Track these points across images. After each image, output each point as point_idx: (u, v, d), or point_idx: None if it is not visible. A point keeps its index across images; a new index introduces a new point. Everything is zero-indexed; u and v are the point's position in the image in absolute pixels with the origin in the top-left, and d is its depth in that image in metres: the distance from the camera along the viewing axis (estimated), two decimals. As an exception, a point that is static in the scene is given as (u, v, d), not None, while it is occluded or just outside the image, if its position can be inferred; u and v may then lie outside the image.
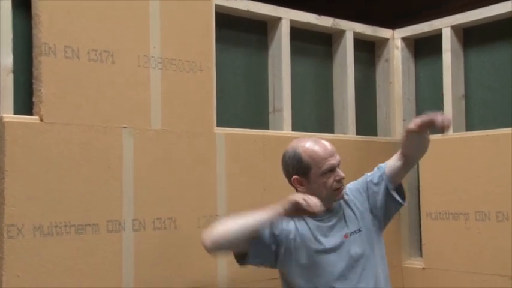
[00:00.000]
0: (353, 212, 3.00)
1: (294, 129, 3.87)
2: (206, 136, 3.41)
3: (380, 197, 2.98)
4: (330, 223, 2.95)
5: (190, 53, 3.37)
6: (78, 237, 2.88)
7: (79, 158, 2.94)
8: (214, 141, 3.43)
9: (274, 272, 3.00)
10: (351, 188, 3.07)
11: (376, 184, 3.00)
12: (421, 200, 4.09)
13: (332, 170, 2.91)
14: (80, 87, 2.97)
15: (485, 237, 3.70)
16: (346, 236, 2.93)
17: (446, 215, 3.90)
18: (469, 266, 3.76)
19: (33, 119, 2.83)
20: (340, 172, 2.94)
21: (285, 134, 3.78)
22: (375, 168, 3.05)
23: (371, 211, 3.01)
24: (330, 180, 2.90)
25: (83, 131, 2.96)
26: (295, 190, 2.96)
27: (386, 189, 2.98)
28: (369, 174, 3.06)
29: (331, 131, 4.20)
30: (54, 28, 2.93)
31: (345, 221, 2.98)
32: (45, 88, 2.87)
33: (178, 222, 3.26)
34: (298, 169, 2.93)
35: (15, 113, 2.85)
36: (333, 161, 2.92)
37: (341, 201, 2.99)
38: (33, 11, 2.91)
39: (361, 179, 3.08)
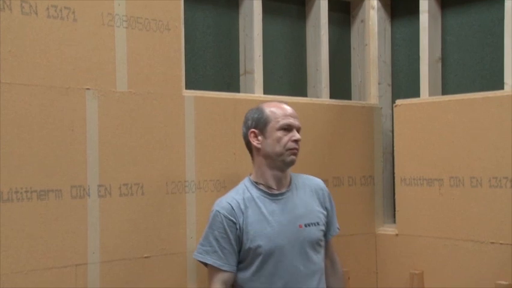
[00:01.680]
0: None
1: (265, 92, 3.86)
2: (174, 99, 3.37)
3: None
4: None
5: (157, 11, 3.32)
6: (40, 203, 2.85)
7: (40, 121, 2.88)
8: (183, 104, 3.40)
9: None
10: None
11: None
12: (395, 165, 4.08)
13: (289, 128, 3.01)
14: (39, 46, 2.89)
15: (459, 203, 3.72)
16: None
17: (420, 181, 3.91)
18: (442, 231, 3.78)
19: None
20: (298, 134, 3.00)
21: (257, 97, 3.76)
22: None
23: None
24: (286, 138, 2.99)
25: (43, 92, 2.90)
26: (248, 150, 3.11)
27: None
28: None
29: (304, 94, 4.20)
30: None
31: None
32: (2, 46, 2.80)
33: (145, 188, 3.23)
34: (258, 121, 3.03)
35: None
36: (292, 120, 3.00)
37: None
38: None
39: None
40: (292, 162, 3.05)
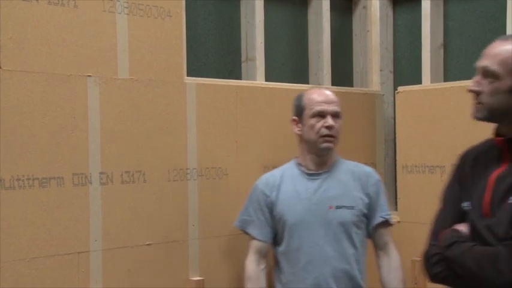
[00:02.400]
0: None
1: (267, 79, 3.87)
2: (176, 86, 3.37)
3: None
4: None
5: None
6: (42, 191, 2.85)
7: (41, 108, 2.88)
8: (184, 91, 3.40)
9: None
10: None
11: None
12: (397, 152, 4.11)
13: (322, 115, 3.10)
14: (40, 33, 2.88)
15: None
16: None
17: (422, 168, 3.93)
18: None
19: None
20: (331, 120, 3.06)
21: (258, 84, 3.78)
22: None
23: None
24: (318, 125, 3.10)
25: (45, 79, 2.89)
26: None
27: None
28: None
29: (306, 81, 4.20)
30: None
31: None
32: (2, 33, 2.79)
33: (147, 176, 3.23)
34: (297, 109, 3.22)
35: None
36: (326, 107, 3.08)
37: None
38: None
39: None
40: (326, 149, 3.15)
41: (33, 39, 2.87)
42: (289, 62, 4.19)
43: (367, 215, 3.19)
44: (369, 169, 3.31)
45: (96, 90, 3.07)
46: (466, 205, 2.40)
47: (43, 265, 2.92)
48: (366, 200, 3.17)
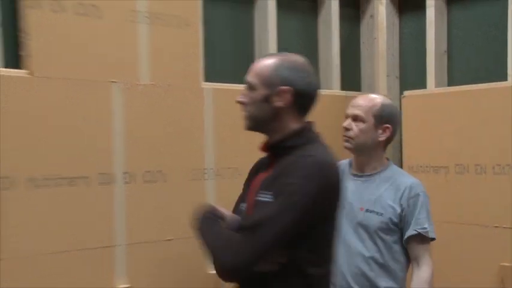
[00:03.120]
0: None
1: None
2: (193, 91, 3.40)
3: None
4: None
5: (177, 8, 3.35)
6: (70, 189, 2.90)
7: (70, 112, 2.94)
8: (202, 96, 3.43)
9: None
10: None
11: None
12: (403, 154, 4.12)
13: (346, 117, 3.18)
14: (68, 41, 2.94)
15: (464, 190, 3.77)
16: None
17: (427, 169, 3.95)
18: (448, 216, 3.81)
19: (23, 72, 2.82)
20: (347, 122, 3.16)
21: None
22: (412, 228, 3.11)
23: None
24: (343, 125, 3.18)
25: (73, 85, 2.95)
26: None
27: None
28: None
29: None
30: None
31: None
32: (33, 42, 2.85)
33: (167, 176, 3.28)
34: None
35: (5, 67, 2.85)
36: (350, 110, 3.17)
37: None
38: None
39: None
40: (346, 148, 3.19)
41: (62, 47, 2.92)
42: None
43: (399, 225, 3.11)
44: (412, 181, 3.16)
45: (120, 95, 3.12)
46: (242, 206, 2.54)
47: (72, 258, 2.96)
48: (398, 210, 3.08)
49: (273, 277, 2.35)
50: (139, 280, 3.18)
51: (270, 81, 2.38)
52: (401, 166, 4.11)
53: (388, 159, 3.26)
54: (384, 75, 4.41)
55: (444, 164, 3.84)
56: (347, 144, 3.17)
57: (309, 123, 2.53)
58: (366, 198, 3.13)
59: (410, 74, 4.39)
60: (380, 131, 3.11)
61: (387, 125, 3.11)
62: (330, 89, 4.16)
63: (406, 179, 3.17)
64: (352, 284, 3.11)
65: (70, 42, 2.96)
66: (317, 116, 3.62)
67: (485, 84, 3.80)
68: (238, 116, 3.49)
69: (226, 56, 3.84)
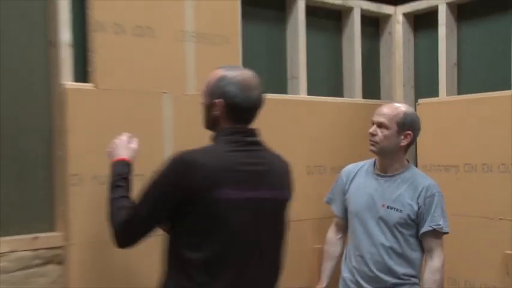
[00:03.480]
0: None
1: (308, 93, 3.89)
2: None
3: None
4: None
5: (219, 28, 3.37)
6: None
7: (128, 118, 3.00)
8: None
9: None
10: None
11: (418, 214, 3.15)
12: (417, 154, 4.11)
13: (372, 123, 3.19)
14: (127, 58, 3.01)
15: (472, 186, 3.75)
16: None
17: (439, 167, 3.93)
18: (457, 209, 3.77)
19: (89, 86, 2.90)
20: (373, 128, 3.18)
21: (301, 98, 3.82)
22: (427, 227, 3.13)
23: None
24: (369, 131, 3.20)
25: (130, 95, 3.02)
26: None
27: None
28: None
29: (341, 95, 4.21)
30: (105, 8, 2.96)
31: None
32: (99, 59, 2.93)
33: None
34: None
35: (75, 81, 2.91)
36: (376, 118, 3.19)
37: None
38: None
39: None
40: (372, 151, 3.22)
41: (122, 64, 2.98)
42: (326, 79, 4.16)
43: (416, 221, 3.13)
44: (429, 182, 3.18)
45: (170, 103, 3.16)
46: None
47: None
48: (415, 208, 3.10)
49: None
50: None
51: (211, 93, 2.50)
52: (416, 165, 4.07)
53: (408, 161, 3.27)
54: (400, 86, 4.40)
55: (454, 164, 3.83)
56: (372, 148, 3.18)
57: (237, 127, 2.52)
58: (387, 196, 3.16)
59: (424, 84, 4.36)
60: (402, 137, 3.13)
61: (409, 132, 3.14)
62: (353, 97, 4.16)
63: (423, 180, 3.19)
64: (374, 269, 3.15)
65: (129, 59, 3.03)
66: (342, 120, 3.73)
67: (491, 93, 3.78)
68: (272, 121, 3.53)
69: (262, 69, 3.71)
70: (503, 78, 3.84)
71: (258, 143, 2.55)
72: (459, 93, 4.13)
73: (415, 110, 4.06)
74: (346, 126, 3.97)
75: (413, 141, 3.22)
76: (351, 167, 3.43)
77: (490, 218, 3.64)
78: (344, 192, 3.37)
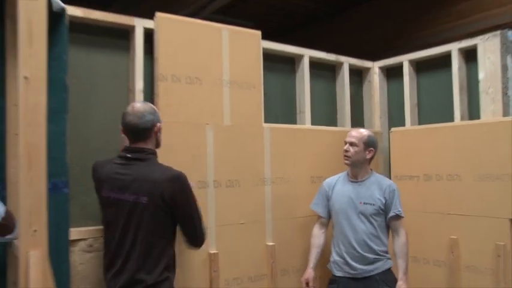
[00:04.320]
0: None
1: (312, 124, 3.89)
2: (258, 129, 3.44)
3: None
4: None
5: (247, 77, 3.39)
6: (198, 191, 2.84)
7: (183, 141, 3.04)
8: (262, 132, 3.47)
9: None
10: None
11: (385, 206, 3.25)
12: (391, 167, 4.11)
13: (345, 142, 3.30)
14: (182, 99, 3.05)
15: (429, 190, 3.75)
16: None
17: (406, 177, 3.94)
18: (418, 207, 3.79)
19: None
20: (346, 146, 3.28)
21: (307, 127, 3.82)
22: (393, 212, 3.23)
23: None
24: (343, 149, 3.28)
25: (184, 126, 3.05)
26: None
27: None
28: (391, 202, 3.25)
29: (335, 124, 4.21)
30: (166, 64, 3.01)
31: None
32: (162, 101, 2.97)
33: (240, 182, 3.32)
34: None
35: None
36: (348, 139, 3.29)
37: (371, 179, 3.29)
38: (155, 55, 3.02)
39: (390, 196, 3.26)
40: (346, 164, 3.30)
41: (177, 103, 3.02)
42: (325, 113, 4.15)
43: (384, 210, 3.21)
44: (390, 182, 3.30)
45: (211, 132, 3.18)
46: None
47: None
48: (383, 201, 3.20)
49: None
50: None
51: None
52: (389, 175, 4.08)
53: (371, 169, 3.35)
54: (378, 118, 4.40)
55: (416, 174, 3.84)
56: (346, 161, 3.29)
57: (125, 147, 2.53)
58: (362, 195, 3.24)
59: (395, 117, 4.36)
60: (367, 152, 3.26)
61: (371, 148, 3.27)
62: (344, 126, 4.14)
63: (385, 181, 3.32)
64: (359, 249, 3.20)
65: (183, 100, 3.05)
66: (336, 143, 3.72)
67: (441, 124, 3.82)
68: (286, 145, 3.57)
69: (278, 106, 3.84)
70: (449, 113, 3.85)
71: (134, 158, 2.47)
72: (419, 123, 4.14)
73: (389, 135, 4.14)
74: (339, 147, 3.87)
75: (374, 155, 3.31)
76: (329, 180, 3.47)
77: (441, 213, 3.65)
78: (328, 198, 3.41)
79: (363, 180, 3.29)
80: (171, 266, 2.48)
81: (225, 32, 3.30)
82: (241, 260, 3.29)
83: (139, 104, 2.55)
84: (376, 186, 3.25)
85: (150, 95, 3.03)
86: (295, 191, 3.62)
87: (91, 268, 2.75)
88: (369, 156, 3.27)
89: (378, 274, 3.17)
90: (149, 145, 2.51)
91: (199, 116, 3.13)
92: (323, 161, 3.84)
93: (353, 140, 3.26)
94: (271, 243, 3.44)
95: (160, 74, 2.99)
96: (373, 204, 3.20)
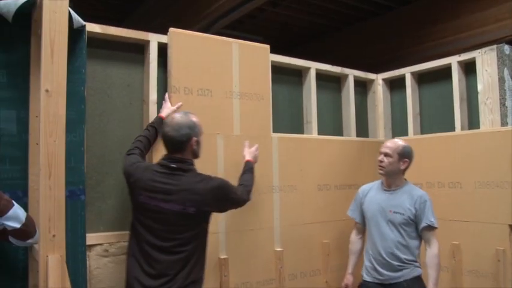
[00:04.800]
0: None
1: (319, 133, 3.88)
2: (267, 138, 3.44)
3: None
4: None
5: (256, 89, 3.39)
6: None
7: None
8: (271, 141, 3.47)
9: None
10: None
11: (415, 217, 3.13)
12: None
13: (380, 153, 3.21)
14: (193, 111, 2.90)
15: (431, 197, 3.64)
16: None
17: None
18: None
19: None
20: (380, 156, 3.19)
21: (314, 137, 3.82)
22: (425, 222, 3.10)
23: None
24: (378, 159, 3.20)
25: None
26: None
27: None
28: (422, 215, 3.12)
29: (341, 134, 4.20)
30: (178, 77, 3.02)
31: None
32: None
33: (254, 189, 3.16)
34: None
35: None
36: (383, 149, 3.20)
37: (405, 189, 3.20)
38: (168, 68, 3.03)
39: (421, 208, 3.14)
40: (380, 174, 3.22)
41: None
42: (331, 123, 4.14)
43: (414, 221, 3.10)
44: (422, 193, 3.16)
45: (222, 141, 3.19)
46: None
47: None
48: (413, 211, 3.09)
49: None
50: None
51: None
52: None
53: (405, 179, 3.27)
54: (382, 127, 4.40)
55: (419, 182, 3.80)
56: (380, 171, 3.21)
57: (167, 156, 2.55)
58: (393, 204, 3.16)
59: (398, 127, 4.35)
60: (401, 163, 3.17)
61: (406, 159, 3.17)
62: (349, 136, 4.15)
63: (417, 191, 3.19)
64: (385, 257, 3.13)
65: (194, 111, 2.91)
66: (342, 152, 3.75)
67: (442, 133, 3.81)
68: (293, 154, 3.54)
69: (286, 116, 3.84)
70: (449, 123, 3.85)
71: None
72: (421, 133, 4.13)
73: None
74: (345, 156, 3.97)
75: (408, 166, 3.22)
76: (365, 187, 3.43)
77: (443, 220, 3.59)
78: (361, 204, 3.37)
79: (395, 190, 3.21)
80: (203, 269, 2.56)
81: (235, 45, 3.32)
82: (250, 264, 3.28)
83: (179, 115, 2.55)
84: (407, 196, 3.16)
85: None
86: (302, 199, 3.60)
87: (106, 272, 2.77)
88: (403, 167, 3.18)
89: (405, 281, 3.09)
90: (187, 156, 2.53)
91: (210, 126, 3.11)
92: (329, 170, 3.83)
93: (387, 150, 3.18)
94: (279, 249, 3.44)
95: (173, 86, 3.00)
96: (403, 214, 3.12)
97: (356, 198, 3.44)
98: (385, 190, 3.25)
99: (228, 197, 2.56)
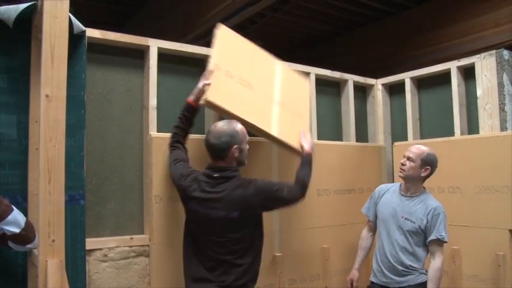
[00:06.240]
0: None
1: (318, 138, 3.87)
2: (267, 143, 3.25)
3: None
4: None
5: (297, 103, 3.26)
6: None
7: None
8: (271, 146, 3.36)
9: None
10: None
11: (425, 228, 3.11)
12: (394, 179, 4.09)
13: (404, 156, 3.19)
14: (232, 93, 2.77)
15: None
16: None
17: None
18: None
19: (167, 134, 2.88)
20: (403, 159, 3.18)
21: (313, 142, 3.72)
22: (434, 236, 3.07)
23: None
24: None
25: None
26: None
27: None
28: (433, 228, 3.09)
29: (341, 139, 4.21)
30: (222, 59, 2.81)
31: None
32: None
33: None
34: None
35: (157, 132, 2.96)
36: (406, 153, 3.19)
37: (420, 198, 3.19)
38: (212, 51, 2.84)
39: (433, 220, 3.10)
40: (400, 177, 3.22)
41: (230, 96, 2.83)
42: (330, 128, 4.15)
43: (424, 231, 3.08)
44: (437, 204, 3.12)
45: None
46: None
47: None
48: (424, 222, 3.06)
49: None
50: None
51: None
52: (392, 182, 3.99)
53: (424, 188, 3.25)
54: (381, 132, 4.40)
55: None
56: (400, 174, 3.20)
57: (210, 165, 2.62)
58: (407, 210, 3.16)
59: (398, 132, 4.35)
60: (423, 170, 3.15)
61: (428, 167, 3.15)
62: (349, 141, 4.15)
63: (433, 202, 3.16)
64: (391, 260, 3.14)
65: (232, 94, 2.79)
66: (341, 157, 3.75)
67: (442, 138, 3.81)
68: (292, 158, 3.33)
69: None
70: (449, 128, 3.86)
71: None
72: (421, 137, 4.14)
73: (392, 149, 4.15)
74: (344, 161, 3.97)
75: (430, 174, 3.19)
76: (382, 186, 3.45)
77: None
78: (376, 203, 3.38)
79: (412, 197, 3.19)
80: (256, 272, 2.68)
81: (278, 67, 3.26)
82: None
83: (221, 123, 2.59)
84: (422, 206, 3.14)
85: (164, 111, 3.06)
86: (302, 203, 3.40)
87: (106, 277, 2.77)
88: (424, 174, 3.16)
89: (409, 286, 3.08)
90: (229, 163, 2.59)
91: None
92: (329, 175, 3.83)
93: (411, 155, 3.16)
94: (278, 254, 3.42)
95: (214, 64, 2.75)
96: (414, 222, 3.11)
97: (372, 196, 3.45)
98: (402, 195, 3.24)
99: (272, 196, 2.58)
